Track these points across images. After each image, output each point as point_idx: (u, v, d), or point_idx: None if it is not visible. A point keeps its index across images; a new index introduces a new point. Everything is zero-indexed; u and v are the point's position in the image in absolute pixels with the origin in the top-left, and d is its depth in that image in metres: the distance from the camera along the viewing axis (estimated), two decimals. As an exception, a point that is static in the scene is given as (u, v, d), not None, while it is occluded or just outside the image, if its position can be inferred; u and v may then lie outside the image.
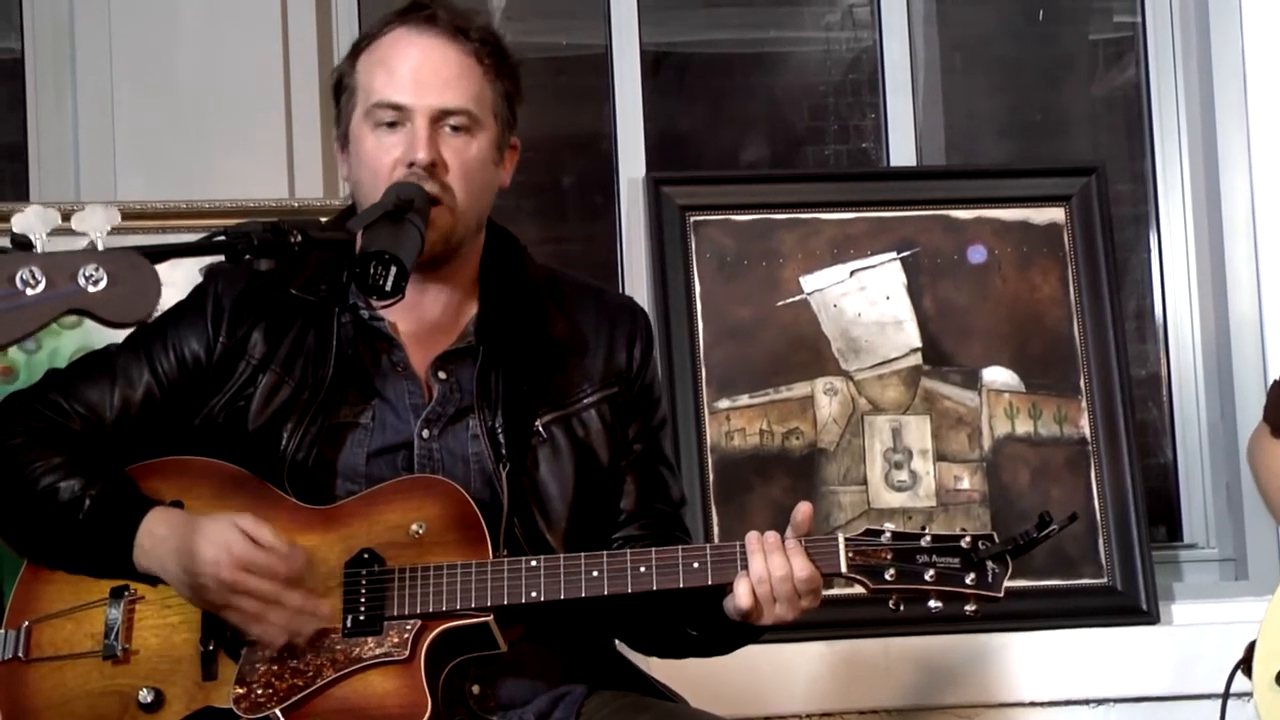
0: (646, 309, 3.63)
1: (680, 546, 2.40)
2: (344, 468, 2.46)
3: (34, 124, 3.76)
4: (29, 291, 1.79)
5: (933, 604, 2.38)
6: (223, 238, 2.18)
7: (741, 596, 2.34)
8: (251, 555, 2.31)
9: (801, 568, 2.33)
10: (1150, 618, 3.69)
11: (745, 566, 2.35)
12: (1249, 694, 3.15)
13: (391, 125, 2.45)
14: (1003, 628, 3.62)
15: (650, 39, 4.06)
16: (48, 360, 3.16)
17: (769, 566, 2.33)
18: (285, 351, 2.50)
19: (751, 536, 2.36)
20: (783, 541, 2.36)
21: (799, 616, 2.37)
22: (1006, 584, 2.39)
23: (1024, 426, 3.80)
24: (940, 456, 3.77)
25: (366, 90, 2.48)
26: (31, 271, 1.79)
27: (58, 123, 3.73)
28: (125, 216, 3.28)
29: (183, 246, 2.16)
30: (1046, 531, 2.37)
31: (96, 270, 1.82)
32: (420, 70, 2.46)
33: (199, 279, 2.61)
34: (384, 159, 2.44)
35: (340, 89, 2.54)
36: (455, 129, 2.46)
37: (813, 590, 2.35)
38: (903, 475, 3.75)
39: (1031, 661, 3.63)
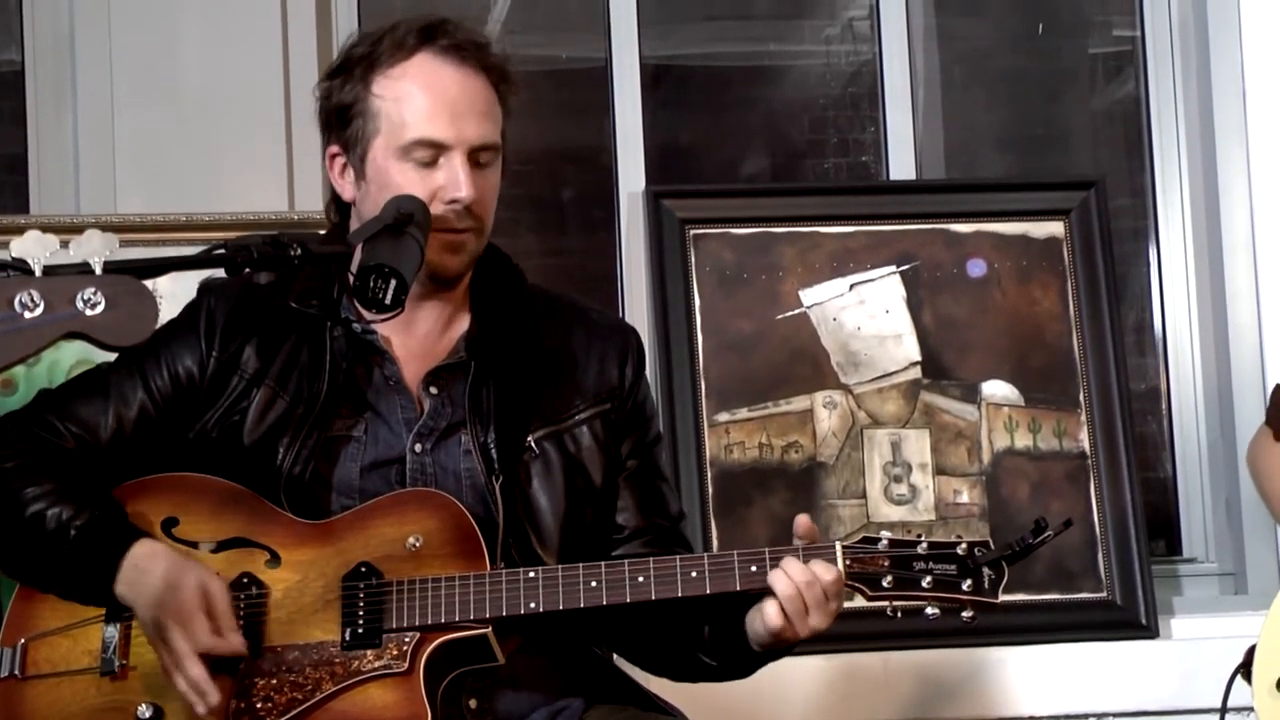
0: (646, 322, 3.67)
1: (678, 556, 2.40)
2: (338, 482, 2.46)
3: (34, 136, 3.75)
4: (27, 315, 1.81)
5: (930, 611, 2.38)
6: (222, 251, 2.18)
7: (771, 616, 2.34)
8: (189, 614, 2.30)
9: (825, 570, 2.34)
10: (1149, 632, 3.68)
11: (752, 580, 2.35)
12: (1249, 708, 3.15)
13: (427, 161, 2.45)
14: (1002, 641, 3.62)
15: (650, 52, 4.06)
16: (47, 372, 3.16)
17: (791, 576, 2.34)
18: (279, 366, 2.50)
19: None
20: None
21: (831, 623, 2.36)
22: (1004, 595, 2.39)
23: (1023, 440, 3.80)
24: (940, 470, 3.76)
25: (397, 122, 2.45)
26: (30, 295, 1.81)
27: (58, 135, 3.72)
28: (124, 229, 3.30)
29: (182, 260, 2.17)
30: (1042, 537, 2.38)
31: (95, 294, 1.83)
32: (458, 106, 2.45)
33: (198, 292, 2.62)
34: (417, 192, 2.42)
35: (350, 111, 2.49)
36: (483, 163, 2.47)
37: (839, 593, 2.36)
38: (902, 489, 3.75)
39: (1031, 675, 3.62)
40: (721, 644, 2.47)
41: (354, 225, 2.53)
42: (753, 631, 2.40)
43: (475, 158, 2.46)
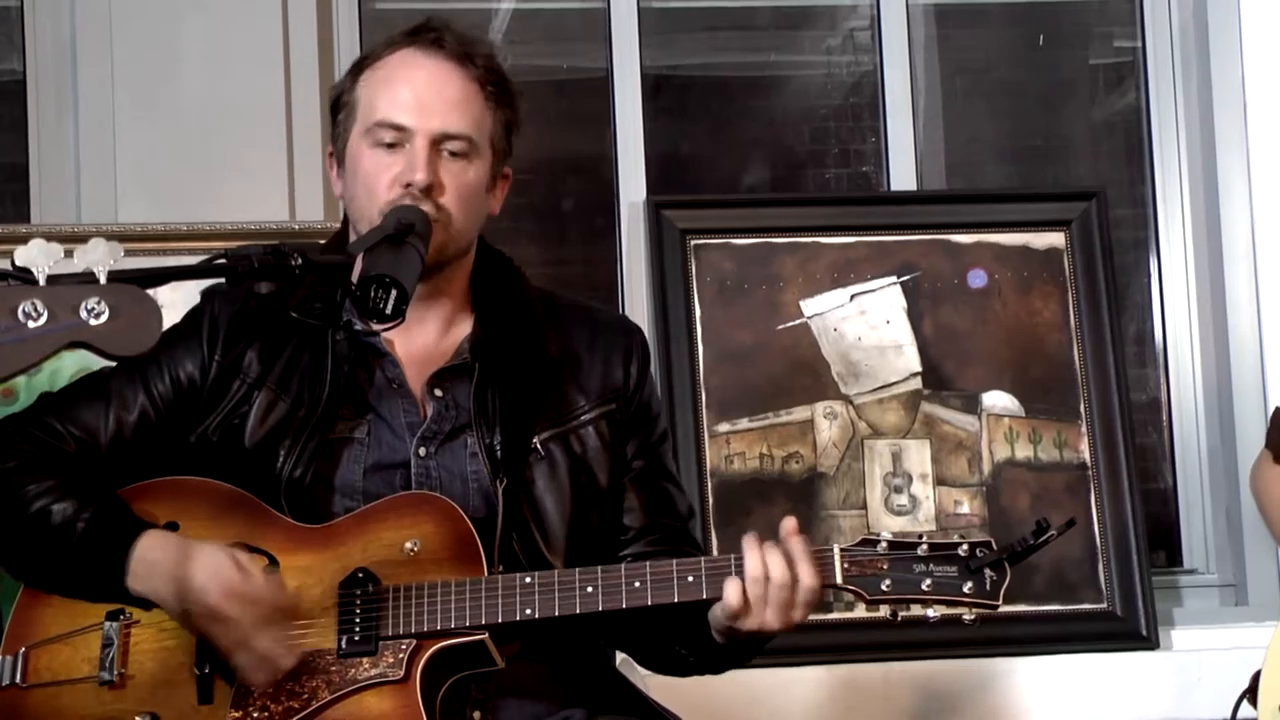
0: (647, 332, 3.65)
1: (675, 560, 2.38)
2: (341, 484, 2.46)
3: (35, 145, 3.76)
4: (31, 324, 1.80)
5: (930, 613, 2.35)
6: (223, 260, 2.19)
7: (731, 595, 2.30)
8: (237, 583, 2.31)
9: (808, 576, 2.32)
10: (1150, 643, 3.68)
11: (738, 572, 2.33)
12: (1253, 723, 3.15)
13: (390, 145, 2.46)
14: (1003, 652, 3.62)
15: (651, 62, 4.07)
16: (48, 380, 3.16)
17: (767, 565, 2.31)
18: (280, 370, 2.50)
19: (750, 535, 2.34)
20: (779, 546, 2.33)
21: (785, 628, 2.33)
22: (1005, 606, 2.37)
23: (1024, 451, 3.80)
24: (940, 481, 3.76)
25: (368, 108, 2.49)
26: (34, 304, 1.80)
27: (59, 144, 3.73)
28: (126, 239, 3.30)
29: (183, 269, 2.17)
30: (1044, 538, 2.34)
31: (98, 303, 1.82)
32: (424, 92, 2.46)
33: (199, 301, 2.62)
34: (381, 178, 2.45)
35: (339, 105, 2.54)
36: (454, 154, 2.47)
37: (808, 602, 2.33)
38: (902, 499, 3.75)
39: (1031, 687, 3.62)
40: (690, 635, 2.45)
41: (350, 228, 2.55)
42: (712, 618, 2.37)
43: (441, 147, 2.46)
